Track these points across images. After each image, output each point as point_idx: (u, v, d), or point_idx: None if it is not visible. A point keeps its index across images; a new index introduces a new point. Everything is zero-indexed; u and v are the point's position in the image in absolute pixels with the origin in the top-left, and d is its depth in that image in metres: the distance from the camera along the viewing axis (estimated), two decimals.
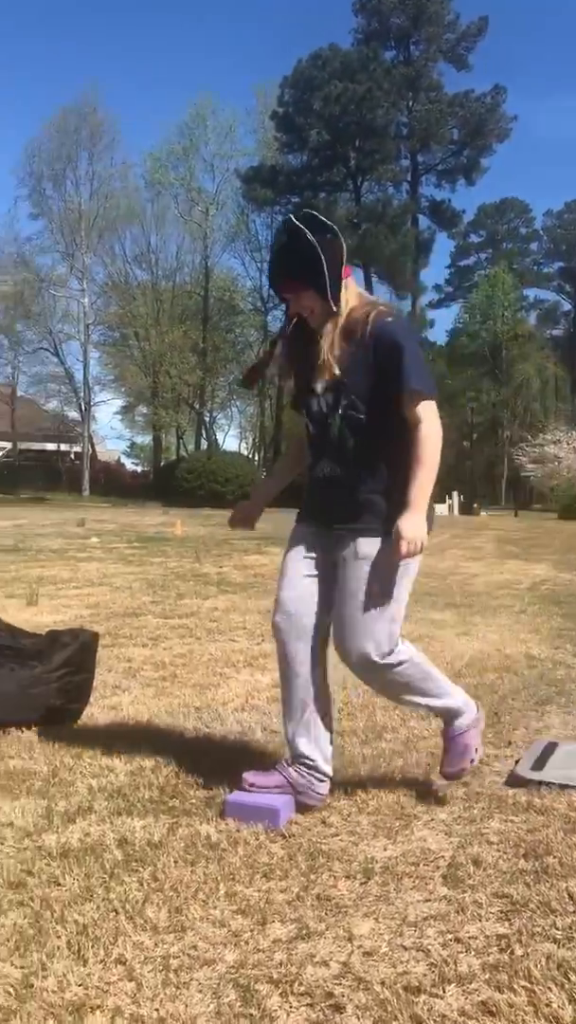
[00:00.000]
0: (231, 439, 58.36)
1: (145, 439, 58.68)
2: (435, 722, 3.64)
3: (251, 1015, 1.64)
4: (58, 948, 1.84)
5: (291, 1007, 1.67)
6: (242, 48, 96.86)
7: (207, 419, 48.51)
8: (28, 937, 1.88)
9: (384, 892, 2.16)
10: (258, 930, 1.95)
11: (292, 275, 2.64)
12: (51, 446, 49.41)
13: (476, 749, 2.81)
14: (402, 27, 39.28)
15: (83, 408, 44.79)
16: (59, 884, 2.14)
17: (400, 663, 2.68)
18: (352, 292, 2.68)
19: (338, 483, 2.67)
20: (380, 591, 2.63)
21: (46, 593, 7.41)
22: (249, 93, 47.32)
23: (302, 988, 1.73)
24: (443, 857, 2.36)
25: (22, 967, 1.77)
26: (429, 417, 2.57)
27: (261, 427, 48.10)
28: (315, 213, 2.69)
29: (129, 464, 61.43)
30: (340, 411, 2.64)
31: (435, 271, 59.52)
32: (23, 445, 49.08)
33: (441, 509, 33.56)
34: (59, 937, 1.88)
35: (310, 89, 37.12)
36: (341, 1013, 1.66)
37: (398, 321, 2.69)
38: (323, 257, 2.56)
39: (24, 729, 3.39)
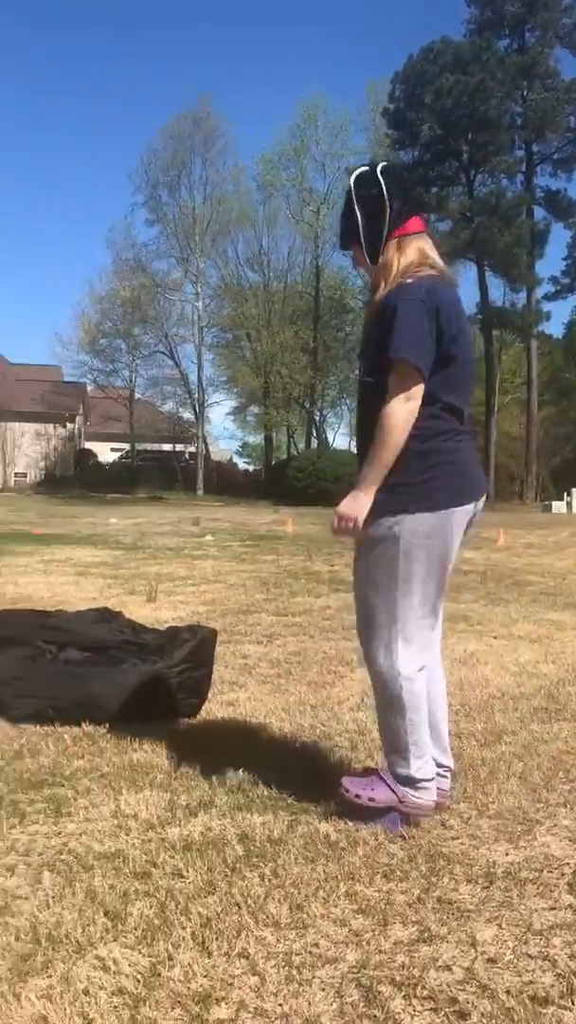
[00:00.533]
0: (341, 437, 58.27)
1: (256, 439, 59.41)
2: (556, 726, 3.56)
3: (375, 1016, 1.63)
4: (183, 939, 1.88)
5: (415, 1010, 1.66)
6: (353, 46, 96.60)
7: (317, 418, 48.63)
8: (154, 927, 1.93)
9: (507, 898, 2.11)
10: (379, 931, 1.94)
11: (341, 230, 2.66)
12: (167, 447, 50.57)
13: (371, 800, 2.51)
14: (516, 14, 38.28)
15: (197, 409, 45.64)
16: (183, 876, 2.18)
17: (395, 680, 2.49)
18: (410, 250, 2.55)
19: (361, 458, 2.58)
20: (380, 583, 2.53)
21: (164, 590, 7.59)
22: (360, 91, 47.09)
23: (425, 992, 1.71)
24: (568, 864, 2.30)
25: (149, 956, 1.81)
26: (395, 388, 2.41)
27: None
28: (373, 167, 2.62)
29: (241, 463, 62.30)
30: (359, 379, 2.61)
31: (551, 263, 57.58)
32: (140, 446, 50.38)
33: (559, 507, 32.66)
34: (184, 928, 1.92)
35: (421, 83, 36.66)
36: (466, 1020, 1.63)
37: (411, 286, 2.49)
38: (359, 212, 2.54)
39: (146, 723, 3.47)
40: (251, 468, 58.11)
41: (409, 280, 2.51)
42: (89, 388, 50.77)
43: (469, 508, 2.56)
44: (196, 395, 45.40)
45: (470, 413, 2.67)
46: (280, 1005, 1.66)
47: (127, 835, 2.44)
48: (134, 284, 43.30)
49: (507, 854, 2.37)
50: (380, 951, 1.86)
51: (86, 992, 1.68)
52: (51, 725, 3.42)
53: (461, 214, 36.19)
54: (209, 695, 3.81)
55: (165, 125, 44.37)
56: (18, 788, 2.78)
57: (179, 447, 50.30)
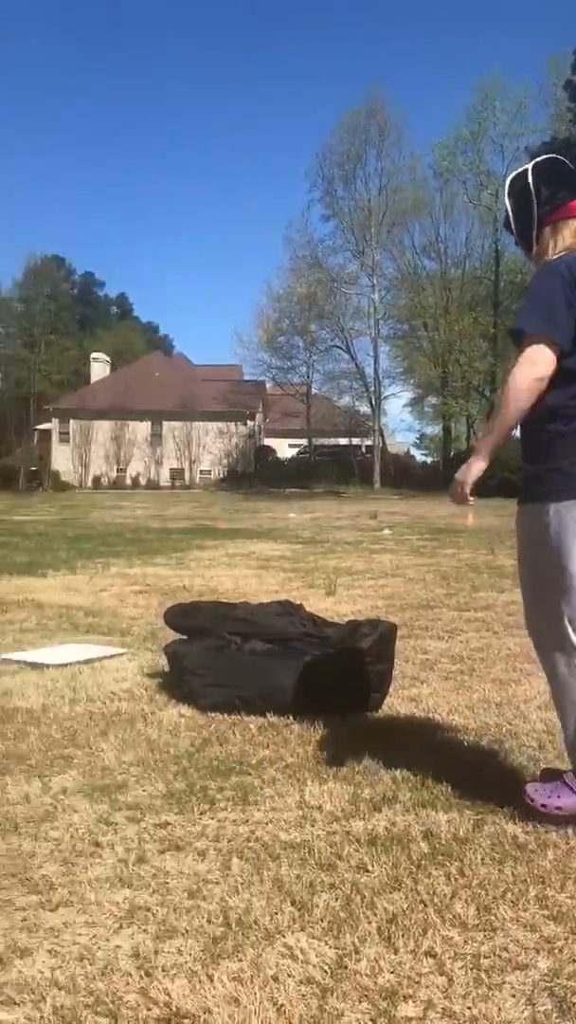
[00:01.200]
0: None
1: (434, 430, 58.55)
2: None
3: None
4: (369, 934, 1.88)
5: None
6: (532, 19, 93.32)
7: None
8: (340, 920, 1.94)
9: None
10: (572, 939, 1.87)
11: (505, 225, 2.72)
12: (343, 441, 50.85)
13: (557, 808, 2.42)
14: None
15: (373, 402, 45.62)
16: (367, 871, 2.18)
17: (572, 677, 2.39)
18: (567, 233, 2.52)
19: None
20: (545, 576, 2.44)
21: (343, 584, 7.64)
22: (541, 66, 45.31)
23: None
24: None
25: (336, 948, 1.83)
26: (517, 359, 2.38)
27: None
28: (533, 163, 2.63)
29: (419, 456, 61.67)
30: None
31: None
32: (317, 441, 50.93)
33: None
34: (370, 923, 1.92)
35: None
36: None
37: (553, 262, 2.47)
38: (509, 205, 2.59)
39: (331, 715, 3.51)
40: (429, 460, 57.41)
41: (555, 258, 2.47)
42: (268, 385, 51.89)
43: None
44: (372, 388, 45.37)
45: None
46: (469, 1008, 1.63)
47: (312, 826, 2.47)
48: (310, 280, 43.80)
49: None
50: (574, 960, 1.79)
51: (275, 979, 1.71)
52: (238, 715, 3.52)
53: None
54: (391, 690, 3.80)
55: (339, 120, 44.66)
56: (207, 775, 2.87)
57: (356, 441, 50.40)
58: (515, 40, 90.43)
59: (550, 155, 2.71)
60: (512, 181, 2.62)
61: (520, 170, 2.63)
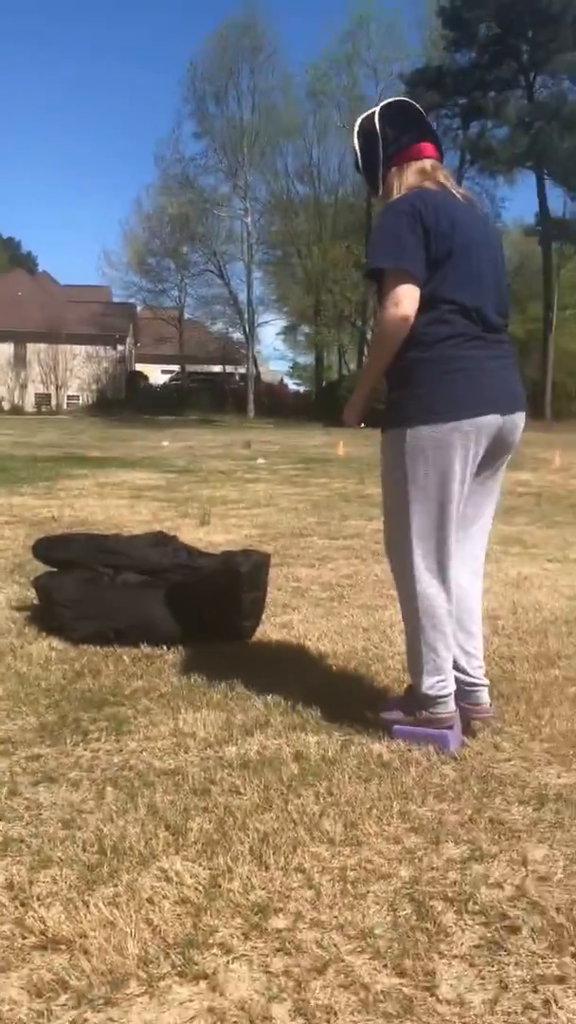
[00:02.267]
0: None
1: (307, 359, 58.77)
2: None
3: (427, 929, 1.69)
4: (241, 854, 1.95)
5: (466, 924, 1.71)
6: None
7: (369, 336, 47.87)
8: (213, 842, 2.00)
9: (559, 819, 2.15)
10: (432, 849, 2.00)
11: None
12: (217, 368, 50.39)
13: (395, 724, 2.63)
14: None
15: (247, 329, 45.27)
16: (240, 793, 2.25)
17: (412, 596, 2.58)
18: (410, 173, 2.62)
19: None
20: (392, 498, 2.63)
21: (217, 513, 7.66)
22: None
23: (476, 907, 1.76)
24: None
25: (209, 868, 1.89)
26: (382, 298, 2.48)
27: None
28: (381, 106, 2.72)
29: (292, 385, 61.85)
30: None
31: None
32: (190, 368, 50.29)
33: None
34: (242, 844, 1.99)
35: None
36: (516, 934, 1.68)
37: (396, 201, 2.56)
38: (356, 145, 2.68)
39: (204, 644, 3.56)
40: (302, 390, 57.69)
41: (398, 197, 2.57)
42: (139, 309, 50.58)
43: (483, 421, 2.48)
44: (246, 315, 44.99)
45: (503, 318, 2.63)
46: (335, 917, 1.73)
47: (186, 753, 2.52)
48: (182, 200, 42.68)
49: (559, 776, 2.40)
50: (432, 868, 1.91)
51: (150, 901, 1.76)
52: (111, 647, 3.51)
53: (520, 120, 34.54)
54: (263, 618, 3.87)
55: (213, 31, 43.07)
56: (80, 707, 2.87)
57: (229, 369, 50.09)
58: None
59: (399, 98, 2.79)
60: (361, 124, 2.68)
61: (368, 113, 2.70)
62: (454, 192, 2.61)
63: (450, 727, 2.58)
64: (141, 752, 2.53)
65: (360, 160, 2.70)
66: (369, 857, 1.95)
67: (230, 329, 48.46)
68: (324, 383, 46.16)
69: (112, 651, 3.48)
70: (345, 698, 2.95)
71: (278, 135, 42.84)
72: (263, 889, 1.81)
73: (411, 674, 2.68)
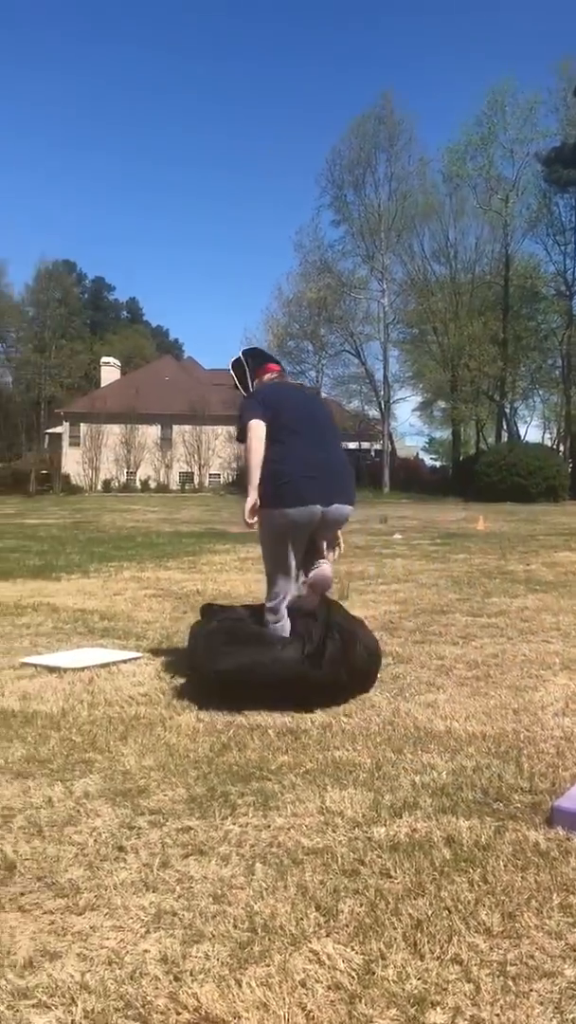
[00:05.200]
0: (534, 430, 56.42)
1: (444, 434, 58.52)
2: None
3: None
4: (395, 940, 1.89)
5: None
6: (544, 26, 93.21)
7: (508, 410, 47.26)
8: (366, 926, 1.95)
9: None
10: None
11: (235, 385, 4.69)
12: (352, 445, 50.85)
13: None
14: None
15: (383, 406, 45.65)
16: (391, 877, 2.19)
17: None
18: (264, 379, 4.51)
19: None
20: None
21: (356, 588, 7.65)
22: (550, 73, 45.19)
23: None
24: None
25: (362, 954, 1.84)
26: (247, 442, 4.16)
27: (567, 416, 45.82)
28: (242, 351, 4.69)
29: (428, 460, 61.61)
30: None
31: None
32: None
33: None
34: (395, 929, 1.93)
35: None
36: None
37: (252, 392, 4.44)
38: (234, 373, 4.63)
39: (344, 718, 3.52)
40: (438, 464, 57.36)
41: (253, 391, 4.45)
42: None
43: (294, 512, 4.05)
44: (382, 392, 45.43)
45: (319, 450, 4.17)
46: (497, 1015, 1.64)
47: (334, 832, 2.48)
48: (320, 285, 43.93)
49: None
50: None
51: (303, 984, 1.72)
52: (256, 718, 3.53)
53: None
54: (407, 696, 3.81)
55: (350, 125, 44.77)
56: (227, 780, 2.89)
57: (365, 445, 50.44)
58: (525, 45, 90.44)
59: (249, 347, 4.96)
60: (233, 364, 4.61)
61: (235, 357, 4.63)
62: (287, 383, 4.55)
63: None
64: (289, 829, 2.51)
65: (237, 380, 4.57)
66: (530, 952, 1.85)
67: (366, 406, 48.98)
68: (461, 458, 45.74)
69: (257, 724, 3.49)
70: (496, 782, 2.84)
71: (415, 218, 43.70)
72: (419, 979, 1.75)
73: None
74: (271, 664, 3.76)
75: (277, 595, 4.15)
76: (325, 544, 4.34)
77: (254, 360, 4.57)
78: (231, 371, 4.55)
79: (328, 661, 3.76)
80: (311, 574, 4.26)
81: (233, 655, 3.83)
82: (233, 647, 3.89)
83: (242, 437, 4.13)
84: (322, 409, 4.49)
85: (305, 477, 4.03)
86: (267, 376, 4.48)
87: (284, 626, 4.10)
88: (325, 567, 4.27)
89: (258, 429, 4.05)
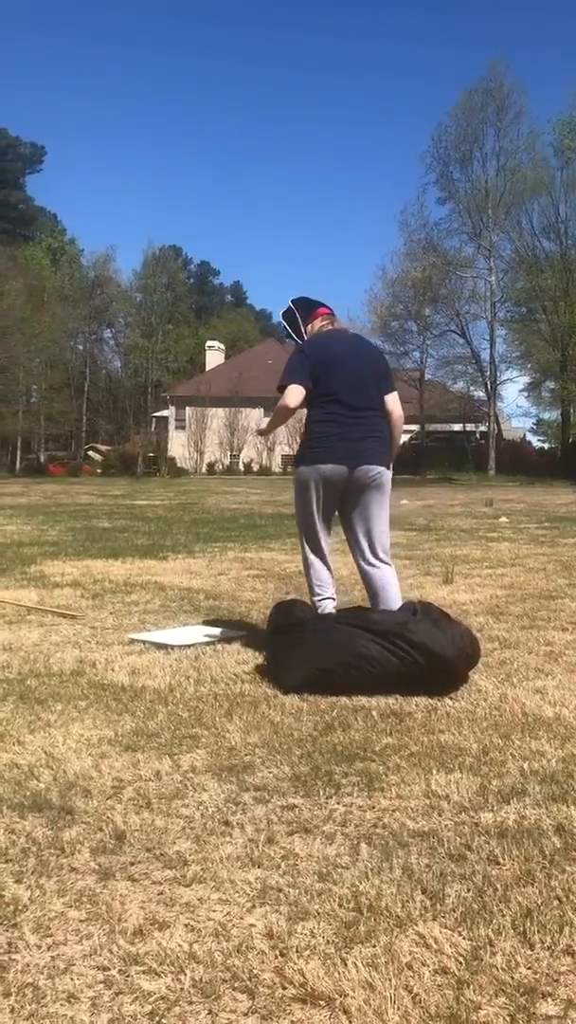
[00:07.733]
0: None
1: (552, 415, 56.97)
2: None
3: None
4: (503, 927, 1.85)
5: None
6: None
7: None
8: (473, 911, 1.91)
9: None
10: None
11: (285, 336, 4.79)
12: (457, 427, 50.07)
13: None
14: None
15: (489, 387, 44.70)
16: (499, 863, 2.15)
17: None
18: (315, 325, 4.61)
19: None
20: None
21: (460, 572, 7.53)
22: None
23: None
24: None
25: (470, 939, 1.81)
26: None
27: None
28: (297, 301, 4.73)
29: (535, 441, 60.13)
30: None
31: None
32: (430, 427, 50.31)
33: None
34: (504, 916, 1.89)
35: None
36: None
37: (302, 344, 4.54)
38: (285, 322, 4.71)
39: (449, 702, 3.47)
40: (546, 446, 55.91)
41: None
42: None
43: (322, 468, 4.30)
44: (488, 372, 44.47)
45: (356, 412, 4.29)
46: None
47: (440, 816, 2.45)
48: (425, 264, 43.22)
49: None
50: None
51: (410, 967, 1.70)
52: (360, 700, 3.52)
53: None
54: (514, 681, 3.72)
55: (457, 100, 43.80)
56: (331, 760, 2.89)
57: (470, 427, 49.58)
58: None
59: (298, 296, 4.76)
60: (284, 314, 4.70)
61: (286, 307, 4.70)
62: (339, 330, 4.61)
63: None
64: (394, 811, 2.49)
65: (290, 328, 4.65)
66: None
67: (471, 387, 48.04)
68: (571, 439, 44.42)
69: (361, 706, 3.48)
70: None
71: (523, 194, 42.44)
72: (529, 968, 1.70)
73: None
74: (342, 672, 3.66)
75: (310, 564, 4.50)
76: (379, 546, 4.45)
77: (304, 308, 4.66)
78: (282, 321, 4.69)
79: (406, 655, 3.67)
80: (370, 584, 4.42)
81: (297, 669, 3.75)
82: (296, 655, 3.81)
83: (281, 390, 4.26)
84: (369, 360, 4.46)
85: (336, 437, 4.23)
86: (317, 322, 4.56)
87: (328, 604, 4.36)
88: (385, 571, 4.46)
89: (293, 396, 4.22)
